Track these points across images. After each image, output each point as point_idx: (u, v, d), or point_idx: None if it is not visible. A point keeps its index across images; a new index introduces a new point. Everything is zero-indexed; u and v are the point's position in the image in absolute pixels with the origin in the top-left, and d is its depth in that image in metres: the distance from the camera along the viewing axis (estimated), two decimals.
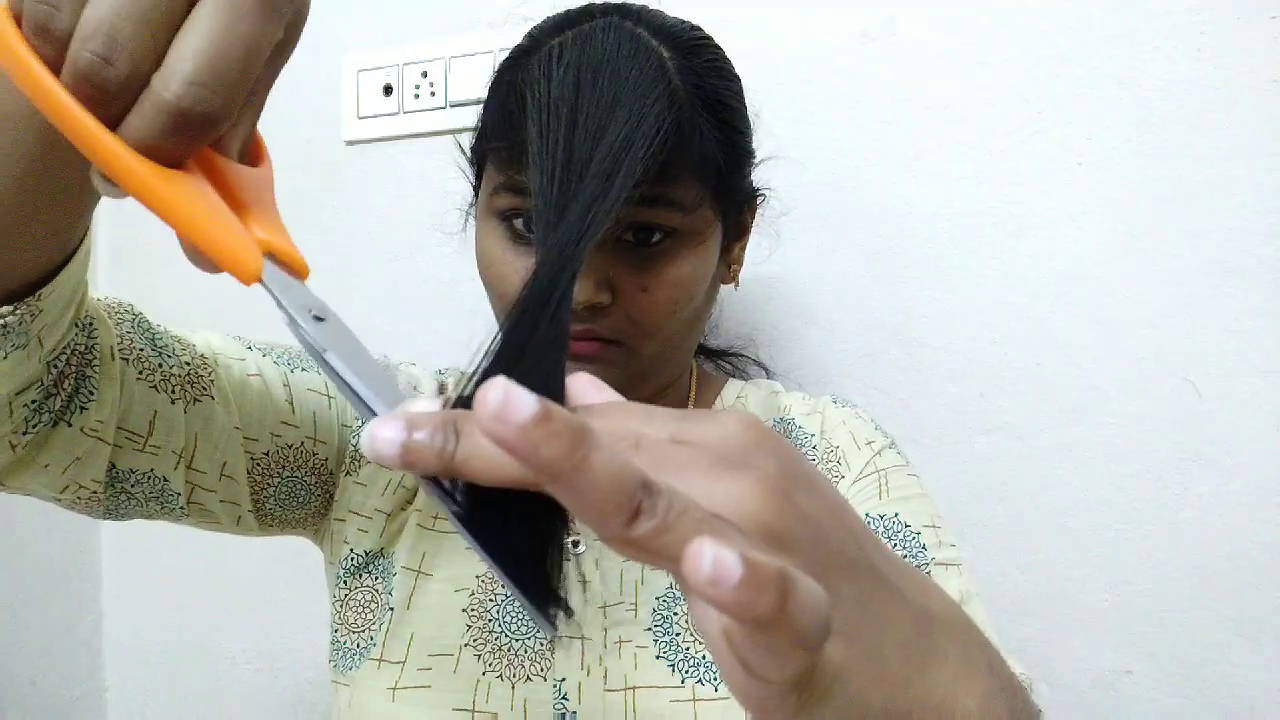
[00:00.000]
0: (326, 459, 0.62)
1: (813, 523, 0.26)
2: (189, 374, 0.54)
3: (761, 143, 0.65)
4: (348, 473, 0.63)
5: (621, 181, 0.40)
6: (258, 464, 0.58)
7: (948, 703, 0.29)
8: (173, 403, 0.52)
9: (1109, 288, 0.79)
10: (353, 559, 0.62)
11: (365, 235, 1.03)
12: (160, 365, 0.52)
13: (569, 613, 0.27)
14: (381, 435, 0.25)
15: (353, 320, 1.02)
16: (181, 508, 0.55)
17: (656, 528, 0.23)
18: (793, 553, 0.25)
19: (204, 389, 0.54)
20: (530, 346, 0.31)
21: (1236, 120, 0.76)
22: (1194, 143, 0.77)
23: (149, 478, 0.53)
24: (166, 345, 0.53)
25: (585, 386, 0.31)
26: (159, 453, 0.52)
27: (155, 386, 0.51)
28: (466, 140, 0.65)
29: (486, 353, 0.31)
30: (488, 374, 0.30)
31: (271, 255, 0.34)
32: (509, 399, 0.21)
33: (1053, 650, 0.79)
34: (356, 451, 0.63)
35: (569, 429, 0.21)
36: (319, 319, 0.35)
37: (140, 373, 0.51)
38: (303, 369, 0.62)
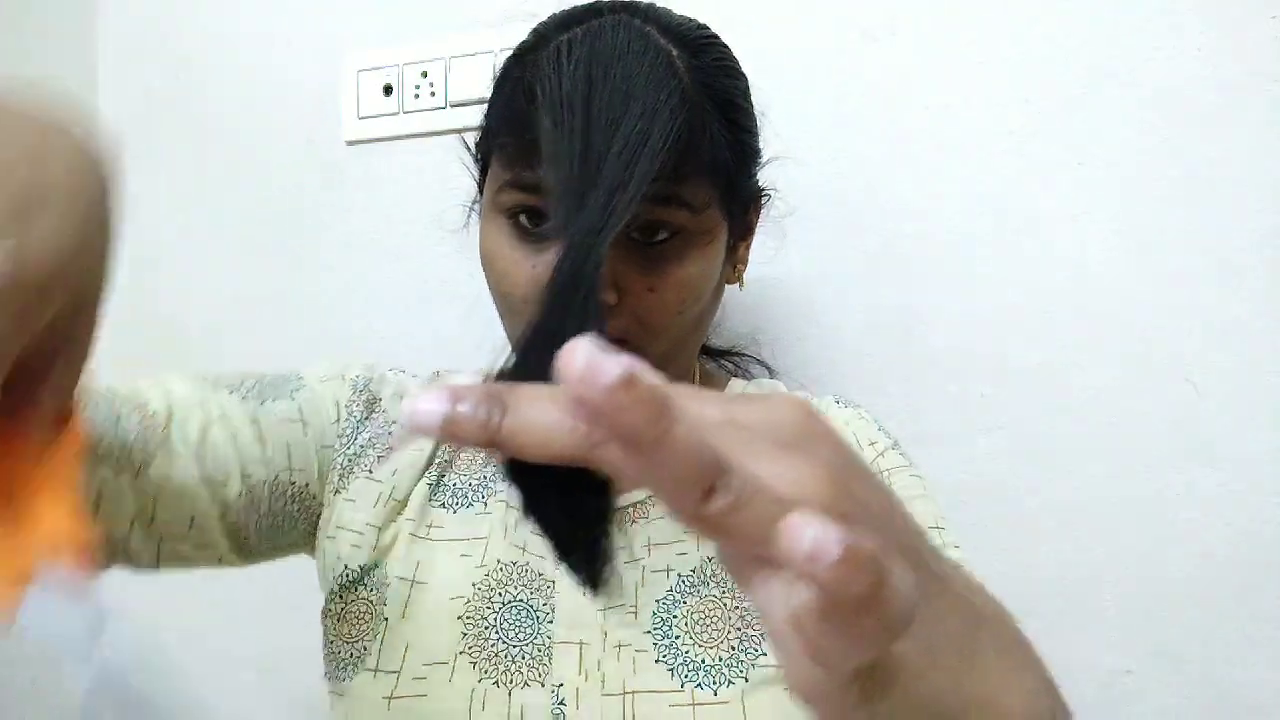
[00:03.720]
0: (307, 484, 0.61)
1: (871, 511, 0.26)
2: (138, 438, 0.52)
3: (764, 143, 0.65)
4: (336, 491, 0.62)
5: (642, 172, 0.40)
6: (230, 508, 0.56)
7: (995, 698, 0.29)
8: (118, 475, 0.50)
9: (1109, 288, 0.79)
10: (347, 574, 0.61)
11: (365, 235, 1.03)
12: (104, 437, 0.50)
13: (618, 583, 0.28)
14: (424, 408, 0.24)
15: (353, 320, 1.03)
16: (151, 562, 0.54)
17: (731, 505, 0.22)
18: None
19: (153, 452, 0.52)
20: (564, 331, 0.31)
21: (1236, 120, 0.76)
22: (1194, 143, 0.77)
23: (107, 541, 0.51)
24: (121, 414, 0.52)
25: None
26: (112, 518, 0.51)
27: (99, 460, 0.50)
28: (472, 139, 0.65)
29: (520, 338, 0.31)
30: (522, 359, 0.30)
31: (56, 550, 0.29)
32: (595, 361, 0.20)
33: (1053, 650, 0.79)
34: (344, 468, 0.62)
35: (654, 396, 0.21)
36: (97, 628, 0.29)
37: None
38: (274, 399, 0.60)
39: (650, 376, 0.21)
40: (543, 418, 0.24)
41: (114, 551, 0.52)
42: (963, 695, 0.28)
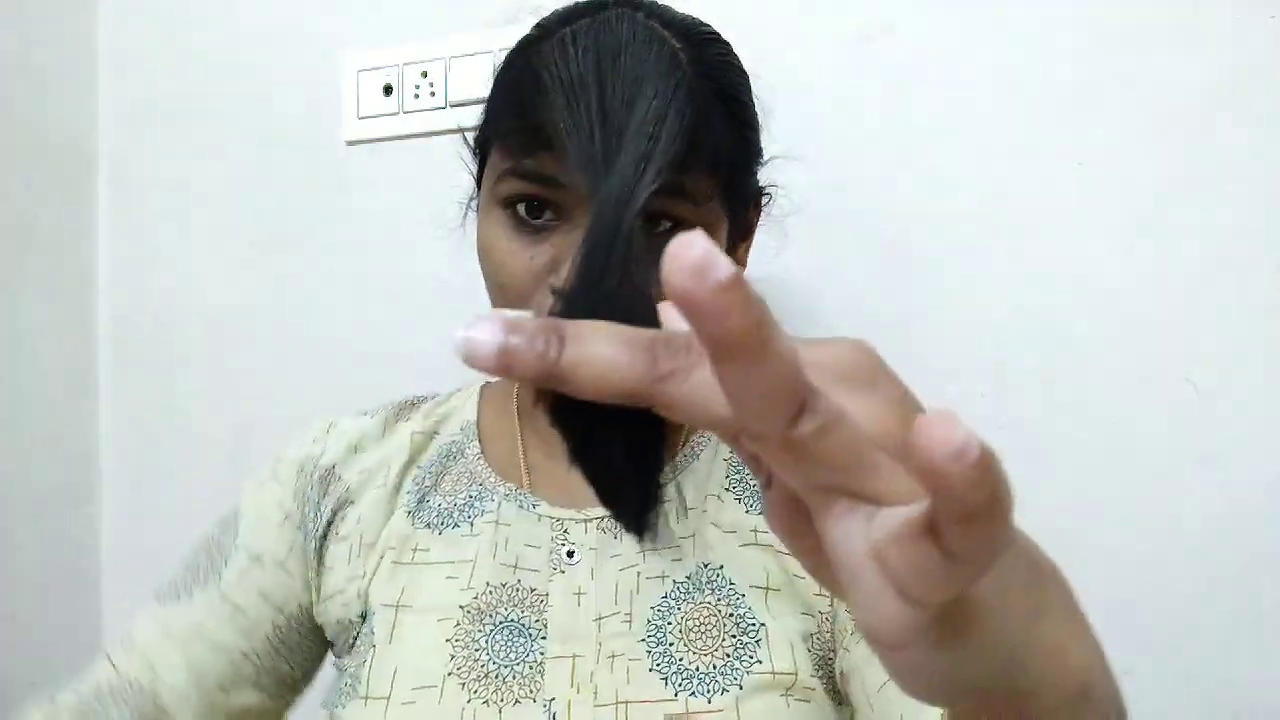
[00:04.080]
0: (299, 606, 0.63)
1: None
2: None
3: (766, 143, 0.65)
4: (318, 571, 0.63)
5: (667, 143, 0.39)
6: (259, 685, 0.61)
7: (1061, 652, 0.28)
8: None
9: (1109, 288, 0.79)
10: (351, 628, 0.62)
11: (365, 235, 1.03)
12: None
13: (663, 531, 0.26)
14: (478, 338, 0.22)
15: (353, 320, 1.03)
16: None
17: (821, 428, 0.21)
18: None
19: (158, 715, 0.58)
20: (611, 268, 0.30)
21: (1236, 120, 0.76)
22: (1194, 143, 0.77)
23: None
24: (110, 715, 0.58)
25: (677, 315, 0.29)
26: None
27: None
28: (472, 135, 0.64)
29: (567, 271, 0.30)
30: (572, 294, 0.29)
31: None
32: (710, 255, 0.19)
33: None
34: (318, 549, 0.63)
35: (756, 300, 0.19)
36: None
37: None
38: (226, 561, 0.63)
39: (750, 286, 0.20)
40: (605, 350, 0.23)
41: None
42: (1033, 643, 0.27)
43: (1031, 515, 0.88)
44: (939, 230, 0.84)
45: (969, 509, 0.19)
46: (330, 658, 0.66)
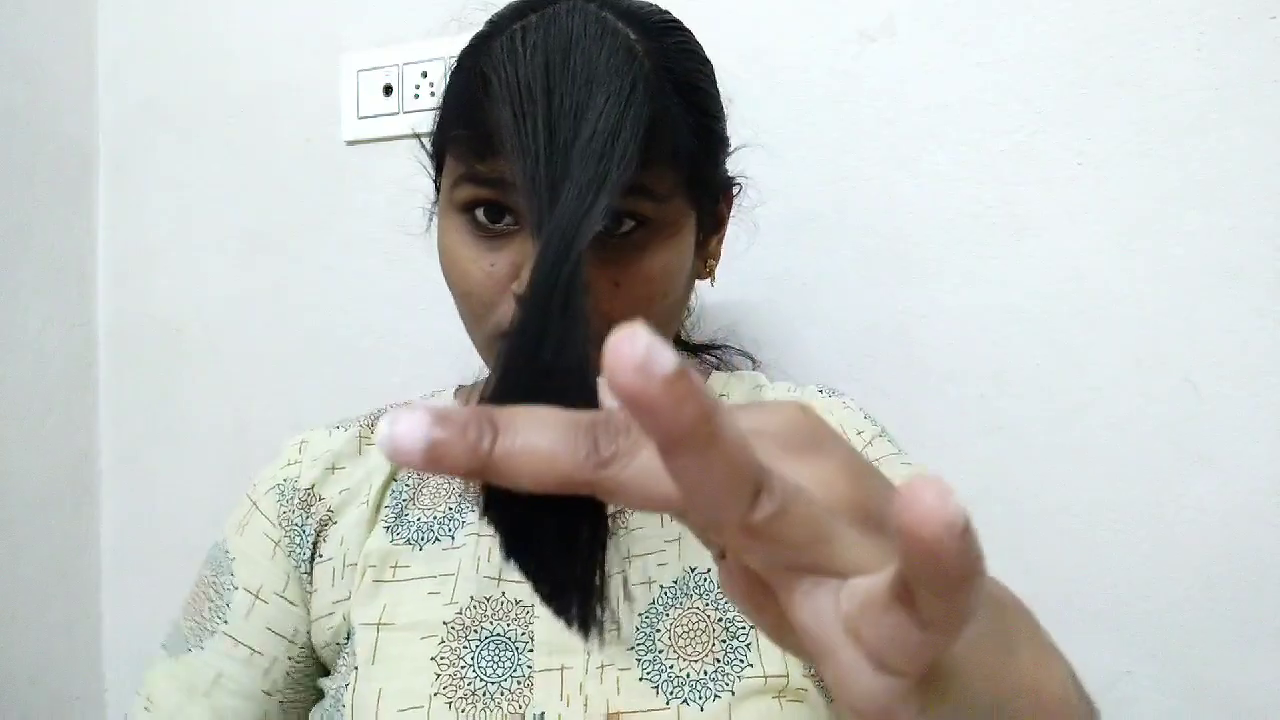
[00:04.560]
0: (307, 630, 0.62)
1: (889, 504, 0.25)
2: None
3: (745, 134, 0.64)
4: (310, 596, 0.62)
5: (618, 163, 0.38)
6: (290, 707, 0.61)
7: (1034, 688, 0.28)
8: None
9: (1109, 288, 0.79)
10: (333, 649, 0.61)
11: (365, 235, 1.03)
12: None
13: (609, 627, 0.26)
14: (403, 431, 0.21)
15: (351, 320, 1.04)
16: None
17: (779, 510, 0.21)
18: (885, 535, 0.23)
19: None
20: (546, 339, 0.28)
21: (1236, 120, 0.76)
22: (1193, 143, 0.77)
23: None
24: None
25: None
26: None
27: None
28: (428, 139, 0.63)
29: (502, 351, 0.29)
30: (507, 370, 0.28)
31: None
32: (654, 348, 0.18)
33: None
34: (306, 573, 0.62)
35: (704, 390, 0.19)
36: None
37: None
38: (228, 602, 0.62)
39: (693, 371, 0.19)
40: (541, 438, 0.22)
41: None
42: (1007, 686, 0.27)
43: (1032, 516, 0.89)
44: (938, 230, 0.84)
45: (952, 579, 0.19)
46: None
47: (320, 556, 0.62)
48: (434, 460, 0.22)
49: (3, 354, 1.03)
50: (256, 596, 0.61)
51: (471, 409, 0.22)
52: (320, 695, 0.62)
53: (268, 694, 0.61)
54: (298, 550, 0.62)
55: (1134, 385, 0.78)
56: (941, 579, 0.19)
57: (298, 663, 0.62)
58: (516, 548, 0.26)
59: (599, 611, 0.26)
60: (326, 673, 0.63)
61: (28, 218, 1.06)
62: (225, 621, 0.61)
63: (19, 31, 1.06)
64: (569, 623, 0.25)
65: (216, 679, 0.60)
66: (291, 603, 0.62)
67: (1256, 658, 0.74)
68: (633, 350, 0.18)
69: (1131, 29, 0.78)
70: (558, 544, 0.25)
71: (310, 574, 0.62)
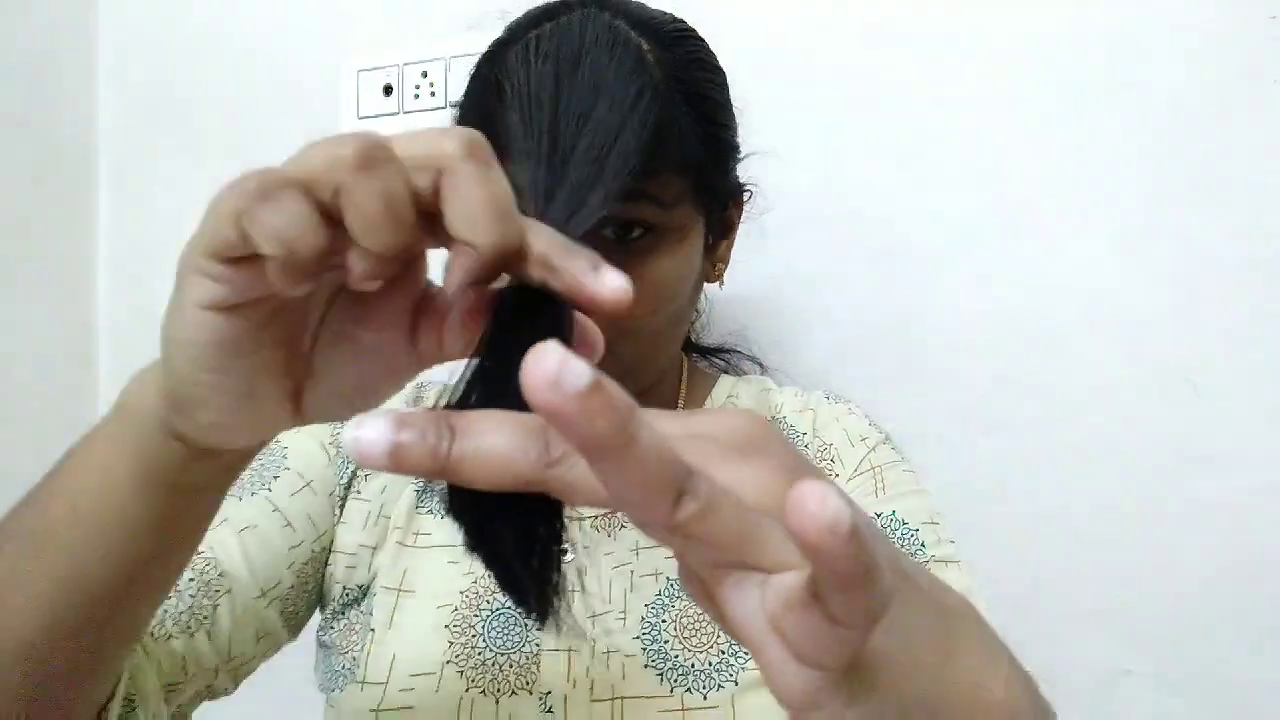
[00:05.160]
0: (332, 540, 0.62)
1: None
2: (197, 592, 0.54)
3: (756, 141, 0.65)
4: (337, 522, 0.62)
5: (614, 169, 0.39)
6: (287, 601, 0.59)
7: (975, 690, 0.29)
8: (192, 636, 0.52)
9: (1109, 288, 0.79)
10: (345, 595, 0.61)
11: None
12: (165, 611, 0.52)
13: (566, 618, 0.27)
14: (367, 436, 0.23)
15: None
16: (232, 688, 0.57)
17: (702, 510, 0.22)
18: None
19: (215, 599, 0.55)
20: (530, 338, 0.29)
21: (1236, 120, 0.76)
22: (1194, 143, 0.77)
23: (196, 694, 0.54)
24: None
25: None
26: (200, 675, 0.53)
27: (177, 634, 0.52)
28: None
29: (477, 348, 0.29)
30: (481, 370, 0.28)
31: None
32: (566, 365, 0.19)
33: (1053, 650, 0.79)
34: (342, 498, 0.62)
35: (621, 401, 0.20)
36: None
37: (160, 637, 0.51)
38: (274, 476, 0.61)
39: (612, 383, 0.20)
40: (496, 441, 0.23)
41: (201, 698, 0.55)
42: (945, 688, 0.28)
43: (1032, 516, 0.89)
44: (938, 230, 0.84)
45: (844, 578, 0.20)
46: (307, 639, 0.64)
47: (358, 493, 0.62)
48: (397, 462, 0.23)
49: (3, 354, 1.03)
50: (307, 484, 0.61)
51: (432, 413, 0.24)
52: (289, 631, 0.61)
53: (288, 568, 0.58)
54: (339, 471, 0.62)
55: (1134, 386, 0.78)
56: (836, 578, 0.21)
57: (313, 564, 0.60)
58: (478, 542, 0.27)
59: (555, 602, 0.27)
60: (312, 606, 0.62)
61: (28, 218, 1.06)
62: (269, 490, 0.60)
63: (20, 31, 1.06)
64: (527, 612, 0.26)
65: (251, 523, 0.58)
66: (330, 510, 0.61)
67: (1257, 657, 0.74)
68: (546, 368, 0.19)
69: (1131, 30, 0.78)
70: (516, 539, 0.26)
71: (344, 504, 0.62)
